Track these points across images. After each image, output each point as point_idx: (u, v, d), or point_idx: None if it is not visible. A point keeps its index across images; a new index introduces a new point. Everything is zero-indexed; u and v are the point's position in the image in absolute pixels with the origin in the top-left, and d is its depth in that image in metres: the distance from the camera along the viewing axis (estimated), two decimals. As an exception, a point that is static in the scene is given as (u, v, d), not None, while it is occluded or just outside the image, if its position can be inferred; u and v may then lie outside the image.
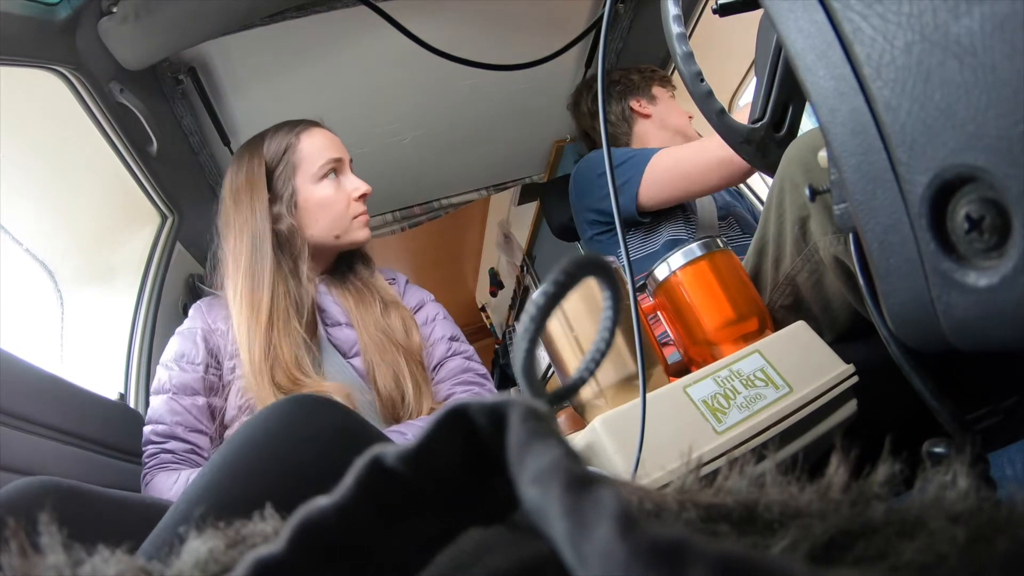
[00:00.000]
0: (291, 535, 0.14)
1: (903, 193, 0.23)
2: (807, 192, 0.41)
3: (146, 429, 0.88)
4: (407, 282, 1.12)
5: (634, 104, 1.42)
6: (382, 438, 0.56)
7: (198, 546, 0.18)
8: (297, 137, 0.99)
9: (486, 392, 0.97)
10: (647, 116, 1.42)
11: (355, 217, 0.99)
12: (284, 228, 0.95)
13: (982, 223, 0.21)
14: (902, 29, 0.21)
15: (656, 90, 1.42)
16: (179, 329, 0.97)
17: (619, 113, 1.42)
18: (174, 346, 0.94)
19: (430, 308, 1.06)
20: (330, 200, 0.98)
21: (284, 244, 0.95)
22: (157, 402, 0.89)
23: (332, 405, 0.51)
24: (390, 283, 1.07)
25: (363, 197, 1.00)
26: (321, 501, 0.15)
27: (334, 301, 0.98)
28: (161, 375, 0.90)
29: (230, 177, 1.00)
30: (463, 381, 0.97)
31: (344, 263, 1.04)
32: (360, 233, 0.99)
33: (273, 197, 0.96)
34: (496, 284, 3.19)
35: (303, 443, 0.46)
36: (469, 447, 0.15)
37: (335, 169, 0.99)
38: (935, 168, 0.21)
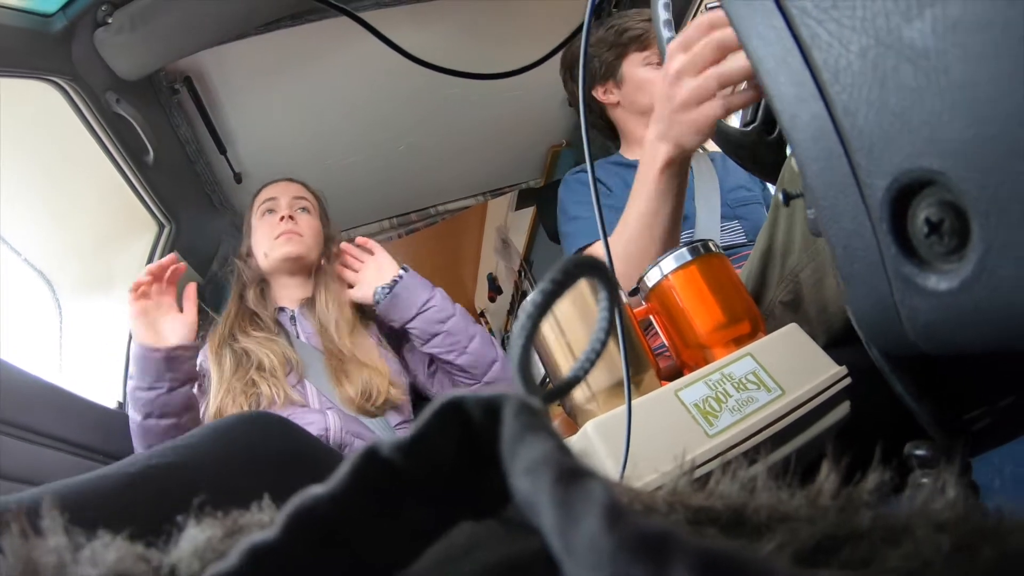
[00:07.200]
0: (285, 522, 0.14)
1: (864, 198, 0.23)
2: (781, 196, 0.41)
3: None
4: None
5: (599, 94, 1.22)
6: (332, 457, 0.56)
7: (196, 534, 0.18)
8: (258, 195, 1.27)
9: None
10: (615, 104, 1.22)
11: (277, 236, 1.18)
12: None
13: (941, 226, 0.21)
14: (856, 33, 0.21)
15: (626, 65, 1.18)
16: None
17: (595, 109, 1.25)
18: None
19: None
20: (259, 228, 1.22)
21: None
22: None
23: (282, 423, 0.51)
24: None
25: (282, 219, 1.19)
26: (316, 489, 0.15)
27: (305, 318, 1.17)
28: None
29: None
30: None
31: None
32: (282, 249, 1.17)
33: None
34: (494, 289, 3.19)
35: (248, 463, 0.45)
36: (464, 439, 0.16)
37: (269, 206, 1.22)
38: (893, 172, 0.21)
